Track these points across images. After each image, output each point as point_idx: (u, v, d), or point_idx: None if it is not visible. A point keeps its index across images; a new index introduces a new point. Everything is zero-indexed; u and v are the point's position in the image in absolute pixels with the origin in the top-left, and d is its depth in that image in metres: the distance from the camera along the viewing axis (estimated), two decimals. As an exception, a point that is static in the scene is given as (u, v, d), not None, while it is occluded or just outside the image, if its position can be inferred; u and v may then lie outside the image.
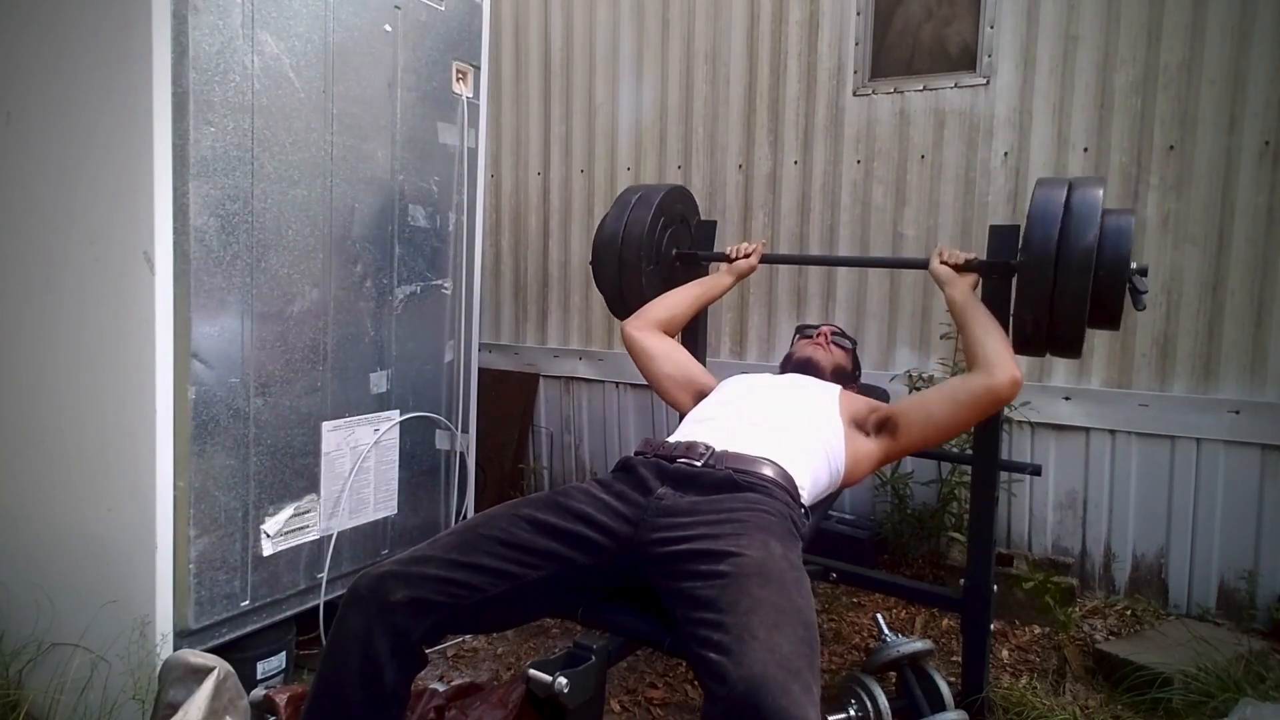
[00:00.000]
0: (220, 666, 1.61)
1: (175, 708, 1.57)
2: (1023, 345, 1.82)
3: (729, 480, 1.54)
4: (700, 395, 2.00)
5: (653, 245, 2.25)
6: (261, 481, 2.01)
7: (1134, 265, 1.73)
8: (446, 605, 1.36)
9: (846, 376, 2.12)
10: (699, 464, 1.58)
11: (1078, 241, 1.67)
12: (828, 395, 1.88)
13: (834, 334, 2.18)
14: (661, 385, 2.09)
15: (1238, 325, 2.49)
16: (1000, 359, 1.71)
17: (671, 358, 2.10)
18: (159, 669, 1.67)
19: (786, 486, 1.58)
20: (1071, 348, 1.76)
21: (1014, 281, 1.81)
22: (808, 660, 1.17)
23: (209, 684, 1.56)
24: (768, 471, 1.58)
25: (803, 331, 2.26)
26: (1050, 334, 1.75)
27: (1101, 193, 1.73)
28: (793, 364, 2.12)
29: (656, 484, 1.55)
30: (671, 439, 1.73)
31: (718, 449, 1.63)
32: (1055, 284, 1.69)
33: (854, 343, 2.25)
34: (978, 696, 1.96)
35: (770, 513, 1.48)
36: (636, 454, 1.69)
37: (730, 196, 3.19)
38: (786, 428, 1.72)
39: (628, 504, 1.51)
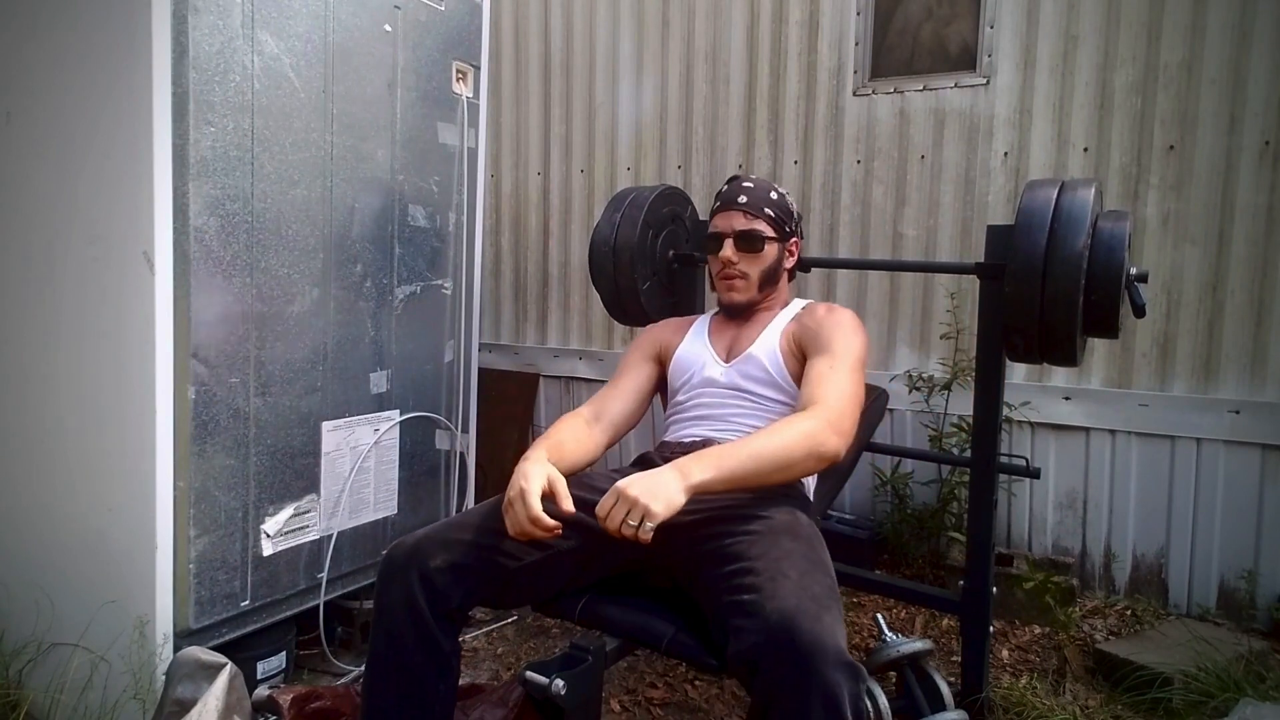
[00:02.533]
0: (230, 664, 1.61)
1: (183, 703, 1.57)
2: (1015, 354, 1.78)
3: None
4: (655, 383, 1.90)
5: (644, 254, 2.25)
6: (261, 481, 2.01)
7: (1133, 270, 1.68)
8: (483, 572, 1.40)
9: (774, 271, 1.83)
10: None
11: (1067, 247, 1.61)
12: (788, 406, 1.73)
13: (738, 246, 1.79)
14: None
15: (1238, 325, 2.48)
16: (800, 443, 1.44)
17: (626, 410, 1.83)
18: (168, 664, 1.67)
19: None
20: (1065, 357, 1.70)
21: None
22: (835, 603, 1.23)
23: (223, 679, 1.57)
24: None
25: (711, 244, 1.84)
26: (1042, 343, 1.69)
27: (1093, 195, 1.67)
28: (724, 309, 1.88)
29: None
30: (684, 438, 1.75)
31: None
32: (1044, 291, 1.63)
33: (773, 198, 1.83)
34: (978, 696, 1.96)
35: (789, 494, 1.58)
36: (654, 452, 1.73)
37: (730, 196, 3.18)
38: None
39: None
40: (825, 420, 1.46)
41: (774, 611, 1.15)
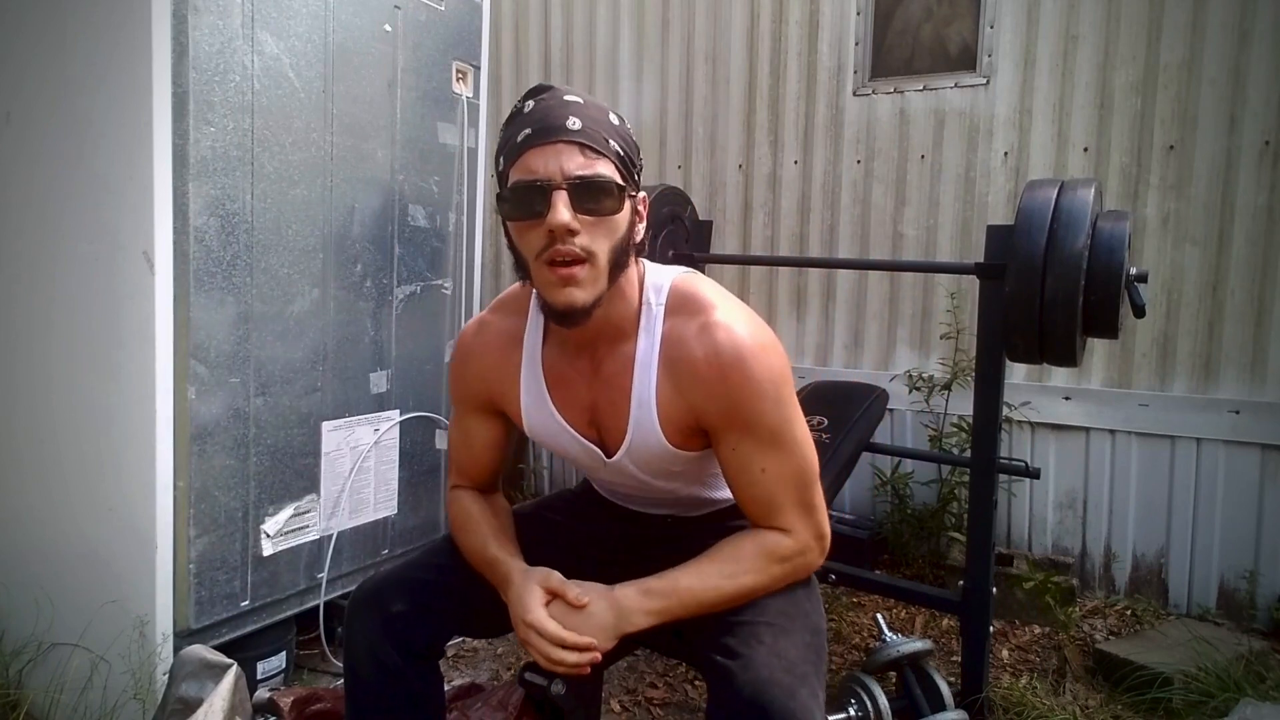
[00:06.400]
0: (235, 665, 1.61)
1: (186, 702, 1.57)
2: (1015, 354, 1.78)
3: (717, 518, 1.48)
4: (507, 426, 1.40)
5: (644, 254, 2.25)
6: (261, 481, 2.00)
7: (1133, 270, 1.69)
8: (449, 609, 1.35)
9: (627, 247, 1.16)
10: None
11: (1067, 247, 1.61)
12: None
13: (576, 204, 1.07)
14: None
15: (1238, 325, 2.49)
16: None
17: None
18: (171, 662, 1.67)
19: None
20: (1065, 357, 1.71)
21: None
22: (814, 666, 1.16)
23: (229, 679, 1.57)
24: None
25: (520, 203, 1.10)
26: (1042, 343, 1.70)
27: (1093, 195, 1.67)
28: (557, 317, 1.15)
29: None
30: (615, 500, 1.51)
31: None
32: (1044, 292, 1.63)
33: (615, 124, 1.13)
34: (978, 696, 1.96)
35: None
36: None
37: (730, 196, 3.19)
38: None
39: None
40: (805, 541, 1.21)
41: (746, 684, 1.08)
